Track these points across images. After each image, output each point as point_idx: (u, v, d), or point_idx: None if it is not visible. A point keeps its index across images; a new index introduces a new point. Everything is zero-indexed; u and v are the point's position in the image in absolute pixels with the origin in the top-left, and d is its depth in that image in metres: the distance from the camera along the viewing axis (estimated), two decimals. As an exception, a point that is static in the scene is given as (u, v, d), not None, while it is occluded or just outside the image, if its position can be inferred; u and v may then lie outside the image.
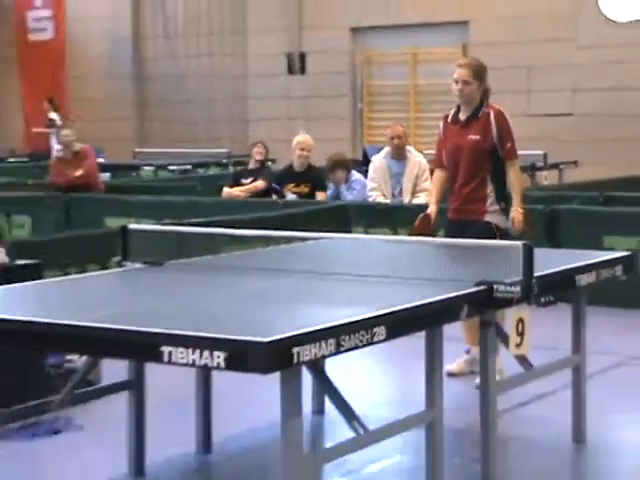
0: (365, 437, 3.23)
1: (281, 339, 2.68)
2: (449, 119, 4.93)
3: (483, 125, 4.80)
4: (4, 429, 3.89)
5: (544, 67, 13.51)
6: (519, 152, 4.95)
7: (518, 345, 3.68)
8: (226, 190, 8.95)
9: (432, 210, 4.88)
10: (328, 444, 3.86)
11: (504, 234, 4.77)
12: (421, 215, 4.95)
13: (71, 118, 13.48)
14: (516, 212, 4.83)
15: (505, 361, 4.24)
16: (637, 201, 7.59)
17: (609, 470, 4.18)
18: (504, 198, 4.93)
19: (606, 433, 4.48)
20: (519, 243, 3.52)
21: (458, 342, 4.94)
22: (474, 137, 4.78)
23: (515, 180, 4.92)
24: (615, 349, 5.64)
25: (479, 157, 4.79)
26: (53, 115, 14.63)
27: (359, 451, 3.41)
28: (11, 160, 14.53)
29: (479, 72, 4.84)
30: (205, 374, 4.02)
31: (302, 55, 15.16)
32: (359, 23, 14.93)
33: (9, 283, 3.87)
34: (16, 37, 17.70)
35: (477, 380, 4.27)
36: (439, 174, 5.03)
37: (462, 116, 4.88)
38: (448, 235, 4.88)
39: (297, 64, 15.22)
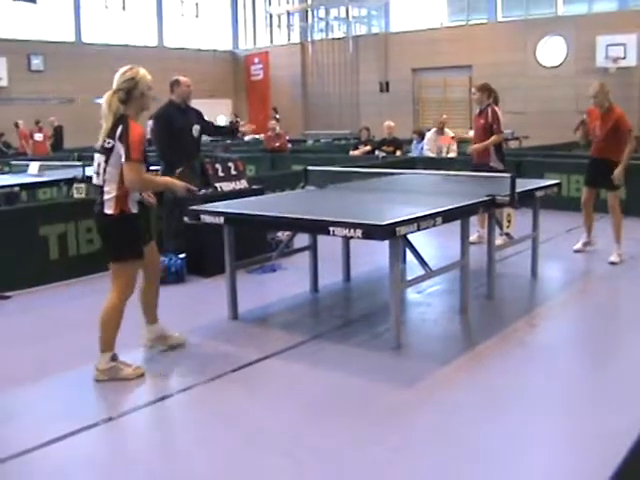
0: (429, 274, 5.29)
1: (389, 223, 4.44)
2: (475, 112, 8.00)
3: (485, 115, 7.65)
4: (249, 268, 6.70)
5: (511, 87, 20.88)
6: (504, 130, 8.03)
7: (507, 227, 5.92)
8: (351, 152, 14.11)
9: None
10: (409, 277, 5.80)
11: (497, 171, 7.48)
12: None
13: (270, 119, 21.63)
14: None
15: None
16: (558, 156, 11.90)
17: (547, 287, 6.61)
18: (498, 153, 7.73)
19: (547, 271, 6.96)
20: (508, 175, 5.73)
21: (474, 227, 7.26)
22: (481, 121, 7.66)
23: (496, 140, 7.74)
24: (552, 229, 8.23)
25: (483, 131, 7.67)
26: (277, 115, 24.42)
27: (427, 281, 5.62)
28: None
29: (482, 88, 7.80)
30: (347, 241, 6.28)
31: (387, 82, 26.42)
32: (415, 66, 25.56)
33: (246, 197, 6.30)
34: (245, 79, 30.79)
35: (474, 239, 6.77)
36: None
37: (477, 111, 7.92)
38: (472, 170, 7.61)
39: (384, 87, 26.40)
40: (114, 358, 4.35)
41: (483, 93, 7.96)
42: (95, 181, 4.33)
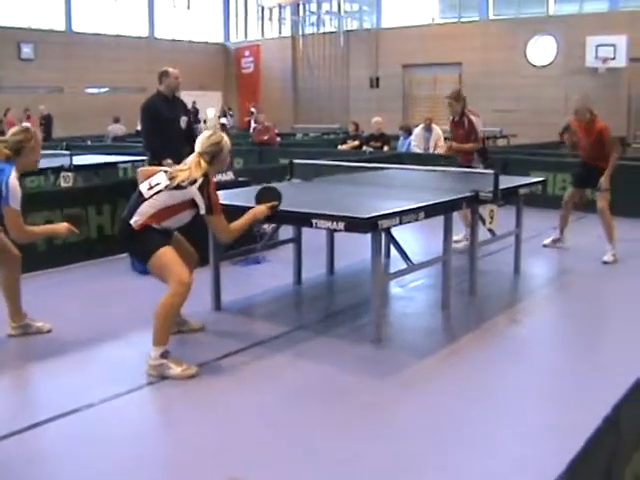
0: (411, 267, 5.26)
1: (371, 216, 4.43)
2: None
3: (463, 125, 7.66)
4: (234, 260, 6.71)
5: (500, 86, 22.91)
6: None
7: (490, 223, 5.99)
8: (339, 146, 14.24)
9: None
10: (392, 270, 5.80)
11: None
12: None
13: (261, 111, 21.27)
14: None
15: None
16: (544, 154, 11.97)
17: (529, 283, 6.65)
18: (481, 156, 7.68)
19: (530, 268, 7.01)
20: (492, 171, 5.76)
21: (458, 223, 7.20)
22: (460, 131, 7.65)
23: (474, 147, 7.70)
24: (536, 227, 8.26)
25: (464, 140, 7.71)
26: (252, 109, 25.26)
27: (408, 275, 5.58)
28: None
29: (457, 98, 7.82)
30: (331, 234, 6.32)
31: (377, 78, 26.64)
32: (406, 62, 25.67)
33: (231, 189, 6.19)
34: (236, 72, 31.17)
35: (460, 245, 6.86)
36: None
37: (451, 118, 7.91)
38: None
39: (375, 82, 26.60)
40: (164, 355, 4.28)
41: (458, 102, 7.77)
42: (144, 191, 4.49)
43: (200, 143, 4.54)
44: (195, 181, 4.38)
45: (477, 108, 8.52)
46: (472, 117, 7.69)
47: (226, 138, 4.65)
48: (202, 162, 4.44)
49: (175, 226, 4.58)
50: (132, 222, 4.43)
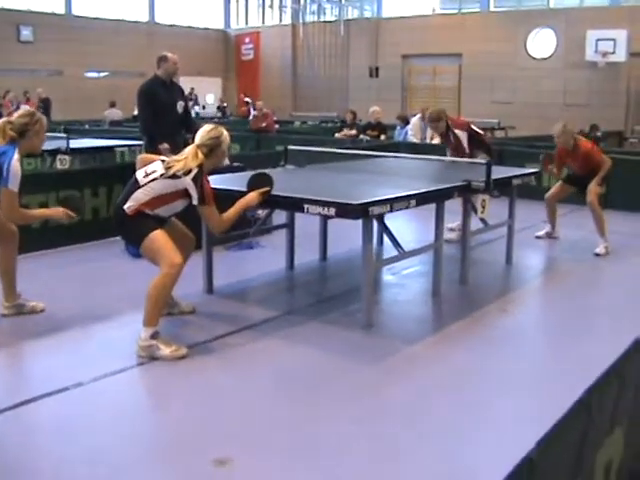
0: (402, 255, 5.31)
1: (363, 203, 4.43)
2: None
3: (449, 139, 7.57)
4: (227, 245, 6.76)
5: (500, 78, 23.08)
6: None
7: (482, 213, 5.96)
8: (336, 134, 14.35)
9: None
10: (385, 257, 5.98)
11: None
12: None
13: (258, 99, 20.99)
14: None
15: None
16: (540, 146, 11.22)
17: (521, 274, 6.68)
18: (480, 148, 7.54)
19: (522, 259, 7.03)
20: (484, 161, 5.84)
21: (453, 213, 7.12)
22: (451, 143, 7.54)
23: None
24: (530, 218, 8.31)
25: (459, 147, 7.53)
26: (247, 99, 25.73)
27: (400, 262, 5.65)
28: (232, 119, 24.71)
29: (437, 119, 7.55)
30: (324, 220, 6.36)
31: (377, 68, 26.68)
32: (406, 52, 25.78)
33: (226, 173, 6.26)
34: (236, 58, 31.26)
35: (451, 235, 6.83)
36: None
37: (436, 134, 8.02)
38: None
39: (374, 72, 26.61)
40: (154, 335, 4.32)
41: (439, 122, 7.62)
42: (140, 178, 4.53)
43: (200, 136, 4.61)
44: (190, 171, 4.44)
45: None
46: (457, 131, 7.52)
47: (226, 133, 4.71)
48: (199, 154, 4.50)
49: (167, 214, 4.62)
50: (125, 207, 4.48)
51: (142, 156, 5.52)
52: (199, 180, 4.44)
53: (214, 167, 4.75)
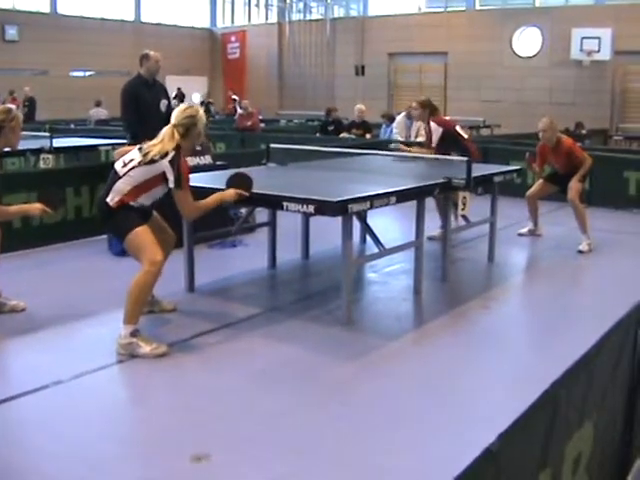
0: (384, 252, 5.42)
1: (342, 200, 4.45)
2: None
3: (428, 130, 7.42)
4: (210, 243, 6.77)
5: (486, 76, 23.34)
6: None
7: (463, 209, 5.95)
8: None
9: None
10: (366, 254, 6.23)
11: None
12: None
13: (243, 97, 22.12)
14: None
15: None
16: (524, 144, 11.11)
17: (503, 271, 6.69)
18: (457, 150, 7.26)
19: (504, 256, 7.07)
20: (465, 159, 5.83)
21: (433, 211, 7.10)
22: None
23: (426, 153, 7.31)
24: (513, 216, 8.32)
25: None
26: (234, 96, 25.27)
27: (381, 259, 5.74)
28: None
29: (424, 105, 7.47)
30: (306, 218, 6.38)
31: (363, 66, 26.75)
32: (393, 51, 26.06)
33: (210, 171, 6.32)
34: (222, 57, 31.36)
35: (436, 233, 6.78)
36: None
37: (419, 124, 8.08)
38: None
39: (360, 71, 26.70)
40: (134, 333, 4.32)
41: (425, 110, 7.53)
42: (118, 169, 4.52)
43: (175, 116, 4.56)
44: (167, 154, 4.41)
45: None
46: (432, 124, 7.42)
47: (201, 112, 4.65)
48: (175, 134, 4.47)
49: (150, 202, 4.59)
50: (109, 200, 4.47)
51: (119, 150, 5.57)
52: (176, 162, 4.40)
53: (192, 148, 4.72)
